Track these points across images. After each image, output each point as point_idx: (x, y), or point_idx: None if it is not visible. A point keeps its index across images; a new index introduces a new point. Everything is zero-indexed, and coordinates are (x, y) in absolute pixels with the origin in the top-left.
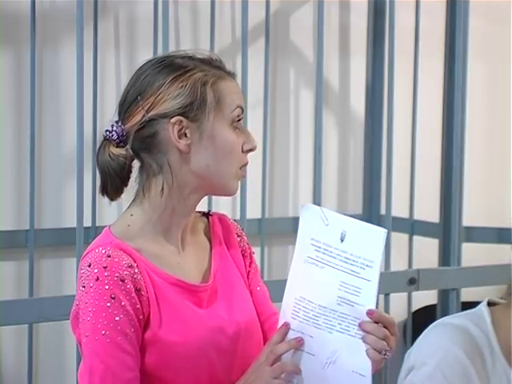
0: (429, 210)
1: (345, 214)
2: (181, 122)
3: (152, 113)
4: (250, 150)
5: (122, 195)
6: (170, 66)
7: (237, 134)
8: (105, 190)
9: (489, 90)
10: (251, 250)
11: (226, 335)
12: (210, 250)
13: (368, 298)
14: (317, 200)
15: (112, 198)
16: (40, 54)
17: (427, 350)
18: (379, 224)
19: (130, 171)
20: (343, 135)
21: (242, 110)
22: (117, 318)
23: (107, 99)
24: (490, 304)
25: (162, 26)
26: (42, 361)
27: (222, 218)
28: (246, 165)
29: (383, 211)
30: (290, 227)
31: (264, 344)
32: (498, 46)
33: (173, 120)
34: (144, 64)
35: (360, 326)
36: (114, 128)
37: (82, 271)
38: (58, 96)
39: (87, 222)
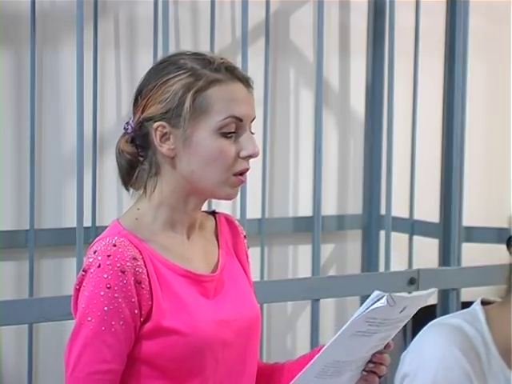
0: (429, 210)
1: (345, 214)
2: (163, 127)
3: (143, 115)
4: (250, 157)
5: (124, 196)
6: (169, 67)
7: (230, 141)
8: (120, 179)
9: (489, 90)
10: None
11: (230, 329)
12: (218, 247)
13: (391, 336)
14: (317, 200)
15: (126, 188)
16: (40, 54)
17: (424, 352)
18: (379, 224)
19: (137, 166)
20: (343, 135)
21: (240, 119)
22: (105, 308)
23: (107, 99)
24: (484, 303)
25: (161, 26)
26: (41, 361)
27: (229, 219)
28: (243, 171)
29: (383, 211)
30: (290, 227)
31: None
32: (498, 46)
33: (155, 125)
34: (160, 58)
35: (377, 358)
36: (131, 121)
37: (88, 258)
38: (58, 96)
39: (87, 222)
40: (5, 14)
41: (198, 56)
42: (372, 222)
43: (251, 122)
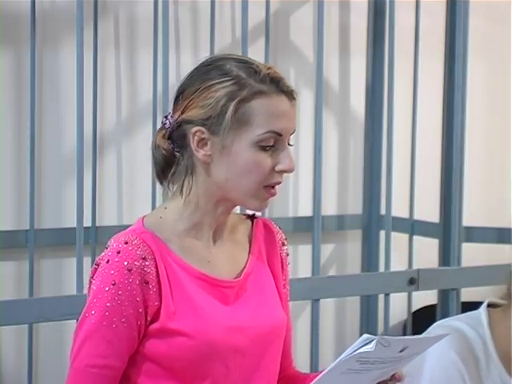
0: (429, 210)
1: (345, 214)
2: (202, 132)
3: (183, 116)
4: (285, 171)
5: (124, 196)
6: (214, 71)
7: (267, 154)
8: (155, 174)
9: (489, 89)
10: (288, 261)
11: (246, 336)
12: (249, 253)
13: (397, 370)
14: (317, 200)
15: (160, 182)
16: (40, 54)
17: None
18: (379, 224)
19: (173, 163)
20: (343, 135)
21: (279, 134)
22: (108, 304)
23: (107, 99)
24: (491, 305)
25: (161, 25)
26: (41, 361)
27: (267, 224)
28: (276, 184)
29: (383, 211)
30: (290, 227)
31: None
32: (498, 46)
33: (193, 130)
34: (205, 59)
35: None
36: (169, 117)
37: (103, 252)
38: (58, 96)
39: (87, 222)
40: (5, 13)
41: (244, 63)
42: (372, 222)
43: (291, 134)
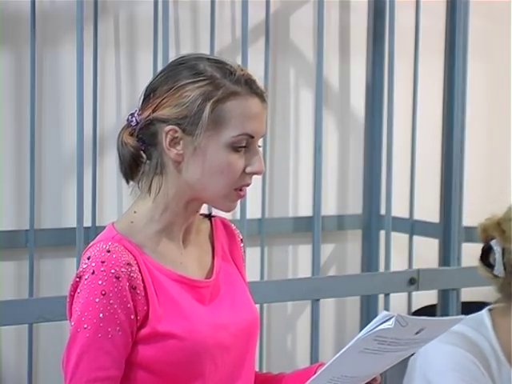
0: (429, 210)
1: (345, 214)
2: (175, 131)
3: (155, 114)
4: (255, 173)
5: (124, 196)
6: (188, 70)
7: (239, 155)
8: (121, 171)
9: (489, 90)
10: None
11: (228, 332)
12: (213, 253)
13: (409, 354)
14: (317, 200)
15: (126, 181)
16: (40, 54)
17: (434, 363)
18: (379, 224)
19: (141, 161)
20: (343, 135)
21: (252, 137)
22: (101, 315)
23: (107, 99)
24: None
25: (161, 25)
26: (41, 361)
27: (225, 223)
28: (245, 185)
29: (383, 211)
30: (290, 227)
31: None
32: (498, 45)
33: (166, 128)
34: (177, 58)
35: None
36: (135, 114)
37: (82, 264)
38: (58, 96)
39: (87, 222)
40: (5, 13)
41: (218, 63)
42: (372, 222)
43: (261, 137)
